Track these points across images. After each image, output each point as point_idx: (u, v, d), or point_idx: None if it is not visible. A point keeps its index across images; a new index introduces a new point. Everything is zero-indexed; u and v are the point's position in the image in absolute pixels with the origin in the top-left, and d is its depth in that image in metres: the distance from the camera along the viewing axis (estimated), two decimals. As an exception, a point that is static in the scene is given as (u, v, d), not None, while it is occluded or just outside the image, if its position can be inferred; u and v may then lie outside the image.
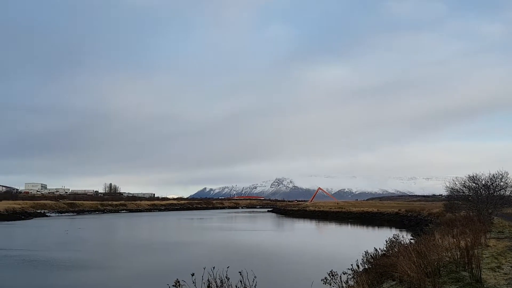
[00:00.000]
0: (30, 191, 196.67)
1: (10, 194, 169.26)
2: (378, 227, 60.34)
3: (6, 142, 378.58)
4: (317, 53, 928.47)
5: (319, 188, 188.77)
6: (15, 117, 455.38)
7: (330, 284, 9.09)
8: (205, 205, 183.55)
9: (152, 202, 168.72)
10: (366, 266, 14.39)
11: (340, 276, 9.42)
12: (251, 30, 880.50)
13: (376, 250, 16.06)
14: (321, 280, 9.20)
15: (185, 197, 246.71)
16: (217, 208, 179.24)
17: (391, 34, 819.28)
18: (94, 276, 22.26)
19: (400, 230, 46.50)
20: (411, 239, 23.67)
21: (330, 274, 9.27)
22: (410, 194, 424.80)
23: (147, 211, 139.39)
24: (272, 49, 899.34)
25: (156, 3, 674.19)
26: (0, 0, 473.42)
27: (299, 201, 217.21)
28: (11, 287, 18.76)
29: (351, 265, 12.22)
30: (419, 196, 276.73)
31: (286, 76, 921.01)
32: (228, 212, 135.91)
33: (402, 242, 17.44)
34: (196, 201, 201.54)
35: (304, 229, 63.11)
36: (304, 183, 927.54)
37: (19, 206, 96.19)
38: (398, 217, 69.79)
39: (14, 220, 74.70)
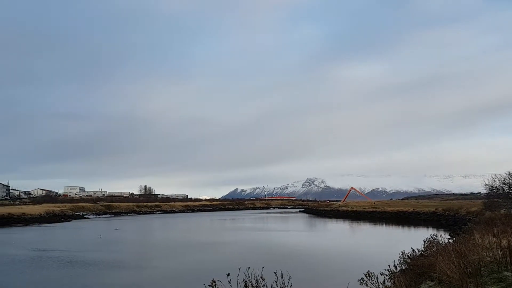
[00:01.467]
0: (69, 194, 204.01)
1: (50, 197, 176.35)
2: (414, 227, 58.88)
3: (45, 148, 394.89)
4: (347, 51, 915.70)
5: (352, 188, 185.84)
6: (54, 124, 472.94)
7: (367, 285, 8.95)
8: (237, 206, 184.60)
9: (185, 203, 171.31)
10: (403, 267, 14.09)
11: (377, 276, 9.26)
12: (281, 32, 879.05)
13: (413, 250, 15.71)
14: (358, 281, 9.08)
15: (217, 198, 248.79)
16: (248, 208, 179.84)
17: (424, 29, 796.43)
18: (131, 275, 22.82)
19: (437, 230, 45.22)
20: (449, 238, 22.98)
21: (367, 275, 9.12)
22: (447, 192, 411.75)
23: (180, 212, 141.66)
24: (302, 49, 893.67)
25: (187, 10, 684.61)
26: (38, 11, 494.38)
27: (331, 201, 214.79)
28: (56, 286, 19.50)
29: (388, 265, 11.99)
30: (456, 194, 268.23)
31: (317, 76, 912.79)
32: (260, 213, 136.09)
33: (440, 242, 16.97)
34: (228, 202, 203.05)
35: (337, 229, 62.37)
36: (336, 183, 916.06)
37: (59, 208, 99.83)
38: (435, 216, 67.83)
39: (54, 222, 77.59)
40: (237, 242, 40.85)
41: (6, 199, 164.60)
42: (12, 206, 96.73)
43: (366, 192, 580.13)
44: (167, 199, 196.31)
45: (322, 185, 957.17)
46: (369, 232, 56.39)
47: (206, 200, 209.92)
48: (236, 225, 73.44)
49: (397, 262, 13.69)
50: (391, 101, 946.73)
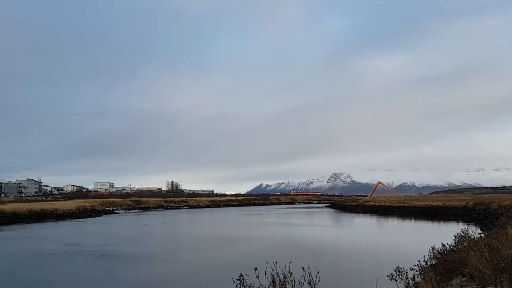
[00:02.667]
0: (99, 190, 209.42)
1: (81, 193, 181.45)
2: (444, 222, 57.62)
3: (76, 145, 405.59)
4: (373, 44, 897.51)
5: (379, 182, 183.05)
6: (84, 121, 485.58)
7: (396, 281, 8.83)
8: (262, 201, 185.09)
9: (211, 199, 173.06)
10: (433, 262, 13.83)
11: (407, 272, 9.12)
12: (306, 25, 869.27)
13: (443, 245, 15.37)
14: (387, 276, 8.96)
15: (242, 193, 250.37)
16: (274, 204, 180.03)
17: (453, 19, 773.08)
18: (160, 269, 23.28)
19: (468, 224, 44.11)
20: (480, 233, 22.37)
21: (396, 270, 9.00)
22: (478, 186, 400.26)
23: (206, 207, 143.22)
24: (327, 43, 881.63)
25: (210, 6, 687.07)
26: (65, 12, 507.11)
27: (358, 196, 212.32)
28: (87, 278, 20.12)
29: (418, 261, 11.79)
30: (487, 188, 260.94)
31: (342, 69, 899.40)
32: (285, 208, 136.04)
33: (472, 237, 16.55)
34: (253, 197, 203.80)
35: (365, 224, 61.69)
36: (363, 178, 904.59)
37: (90, 204, 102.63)
38: (465, 210, 66.13)
39: (85, 217, 79.83)
40: (263, 237, 41.01)
41: (39, 195, 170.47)
42: (44, 202, 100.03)
43: (394, 187, 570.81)
44: (193, 194, 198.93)
45: (348, 180, 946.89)
46: (398, 227, 55.54)
47: (231, 195, 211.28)
48: (262, 220, 73.69)
49: (427, 257, 13.44)
50: (418, 93, 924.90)
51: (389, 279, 8.99)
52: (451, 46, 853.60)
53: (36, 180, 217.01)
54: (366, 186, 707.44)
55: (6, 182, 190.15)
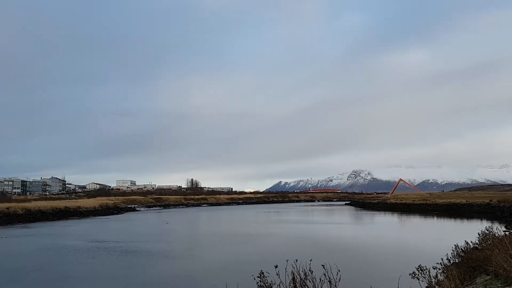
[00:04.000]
0: (121, 188, 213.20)
1: (104, 191, 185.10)
2: (467, 219, 56.49)
3: (98, 144, 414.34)
4: (394, 39, 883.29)
5: (401, 180, 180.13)
6: (106, 121, 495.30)
7: (419, 279, 8.72)
8: (281, 199, 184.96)
9: (230, 196, 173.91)
10: (457, 260, 13.61)
11: (429, 270, 9.00)
12: (324, 21, 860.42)
13: (466, 243, 15.12)
14: (409, 275, 8.86)
15: (261, 191, 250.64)
16: (292, 201, 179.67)
17: (477, 12, 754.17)
18: (181, 265, 23.57)
19: (492, 222, 43.08)
20: (505, 231, 21.88)
21: (419, 269, 8.90)
22: (502, 183, 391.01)
23: (226, 205, 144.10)
24: (347, 38, 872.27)
25: (229, 4, 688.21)
26: (91, 13, 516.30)
27: (379, 193, 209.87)
28: (110, 275, 20.53)
29: (441, 259, 11.63)
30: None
31: (362, 65, 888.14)
32: (304, 205, 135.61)
33: (496, 235, 16.22)
34: (272, 195, 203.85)
35: (386, 222, 60.96)
36: (384, 175, 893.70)
37: (112, 201, 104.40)
38: (489, 208, 64.60)
39: (108, 214, 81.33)
40: (282, 234, 41.02)
41: (63, 193, 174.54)
42: (68, 200, 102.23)
43: (415, 184, 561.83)
44: (213, 192, 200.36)
45: (369, 177, 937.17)
46: (420, 225, 54.70)
47: (250, 193, 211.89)
48: (281, 217, 73.67)
49: (450, 255, 13.24)
50: (440, 88, 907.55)
51: (411, 278, 8.89)
52: (475, 40, 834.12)
53: (60, 178, 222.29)
54: (387, 183, 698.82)
55: (31, 181, 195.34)
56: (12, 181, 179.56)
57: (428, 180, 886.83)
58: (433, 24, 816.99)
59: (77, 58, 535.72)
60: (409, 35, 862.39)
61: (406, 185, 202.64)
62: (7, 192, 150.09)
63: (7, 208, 61.10)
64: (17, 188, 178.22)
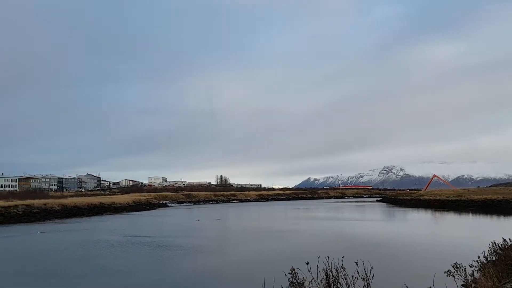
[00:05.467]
0: (153, 184, 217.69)
1: (136, 187, 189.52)
2: (505, 216, 54.56)
3: (131, 142, 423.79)
4: (425, 31, 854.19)
5: (434, 175, 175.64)
6: (137, 119, 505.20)
7: (454, 277, 8.51)
8: (310, 195, 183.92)
9: (259, 193, 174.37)
10: (494, 258, 13.18)
11: (465, 268, 8.76)
12: (354, 15, 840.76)
13: (504, 240, 14.60)
14: (444, 273, 8.66)
15: (290, 187, 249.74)
16: (322, 198, 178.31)
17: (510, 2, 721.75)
18: (212, 260, 23.88)
19: (533, 220, 41.43)
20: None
21: (454, 266, 8.68)
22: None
23: (255, 201, 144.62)
24: (377, 32, 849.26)
25: (256, 1, 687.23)
26: (118, 15, 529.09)
27: (411, 189, 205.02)
28: (144, 268, 21.05)
29: (478, 256, 11.30)
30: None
31: (393, 59, 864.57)
32: (334, 202, 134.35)
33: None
34: (301, 191, 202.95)
35: (419, 219, 59.62)
36: (417, 171, 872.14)
37: (145, 197, 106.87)
38: (529, 205, 62.17)
39: (141, 210, 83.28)
40: (312, 231, 40.85)
41: (98, 190, 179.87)
42: (103, 196, 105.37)
43: (450, 180, 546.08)
44: (242, 188, 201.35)
45: (401, 173, 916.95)
46: (454, 222, 53.23)
47: (279, 189, 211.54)
48: (310, 214, 73.31)
49: (486, 252, 12.83)
50: (475, 82, 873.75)
51: (447, 275, 8.68)
52: (511, 30, 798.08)
53: (94, 175, 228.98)
54: (420, 179, 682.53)
55: (67, 178, 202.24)
56: (49, 178, 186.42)
57: (463, 175, 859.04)
58: (467, 15, 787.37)
59: (108, 59, 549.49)
60: (441, 28, 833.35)
61: (440, 181, 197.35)
62: (44, 188, 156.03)
63: (45, 204, 63.49)
64: (54, 185, 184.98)
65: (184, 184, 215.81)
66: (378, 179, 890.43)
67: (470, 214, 61.83)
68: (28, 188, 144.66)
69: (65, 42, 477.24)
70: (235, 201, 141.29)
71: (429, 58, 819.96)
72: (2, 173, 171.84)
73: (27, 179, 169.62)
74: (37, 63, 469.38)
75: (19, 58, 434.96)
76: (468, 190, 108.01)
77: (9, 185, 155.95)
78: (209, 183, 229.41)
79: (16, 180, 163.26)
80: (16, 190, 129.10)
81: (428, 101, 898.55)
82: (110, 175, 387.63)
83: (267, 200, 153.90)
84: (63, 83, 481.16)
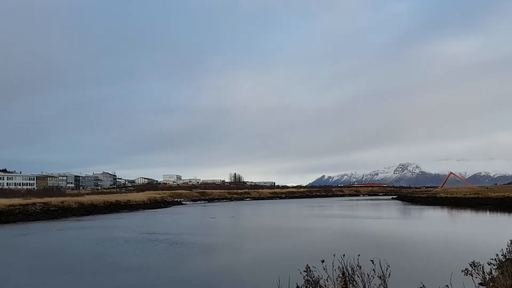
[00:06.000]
0: (167, 182, 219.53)
1: (151, 185, 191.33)
2: (524, 214, 53.53)
3: (146, 140, 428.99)
4: (441, 27, 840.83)
5: (451, 173, 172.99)
6: (152, 118, 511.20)
7: (472, 276, 8.38)
8: (324, 193, 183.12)
9: (273, 190, 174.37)
10: (513, 257, 12.94)
11: (483, 266, 8.63)
12: (368, 11, 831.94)
13: (524, 239, 14.31)
14: (462, 271, 8.53)
15: (304, 185, 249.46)
16: (336, 195, 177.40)
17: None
18: (227, 257, 24.01)
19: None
20: None
21: (472, 265, 8.54)
22: None
23: (268, 199, 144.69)
24: (391, 28, 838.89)
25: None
26: (135, 15, 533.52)
27: (427, 187, 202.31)
28: (159, 265, 21.26)
29: (496, 255, 11.11)
30: None
31: (407, 55, 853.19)
32: (349, 200, 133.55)
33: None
34: (315, 189, 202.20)
35: (436, 217, 58.87)
36: (433, 168, 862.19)
37: (159, 195, 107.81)
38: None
39: (156, 208, 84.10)
40: (327, 228, 40.68)
41: (113, 188, 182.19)
42: (118, 194, 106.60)
43: (466, 177, 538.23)
44: (255, 186, 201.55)
45: (417, 171, 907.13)
46: (471, 220, 52.41)
47: (293, 187, 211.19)
48: (325, 211, 73.02)
49: (505, 251, 12.59)
50: (491, 78, 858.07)
51: (464, 274, 8.56)
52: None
53: (110, 173, 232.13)
54: (436, 177, 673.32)
55: (84, 176, 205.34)
56: (66, 176, 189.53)
57: (480, 173, 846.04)
58: (483, 10, 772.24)
59: (124, 58, 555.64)
60: (456, 24, 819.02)
61: (457, 178, 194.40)
62: (61, 186, 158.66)
63: (62, 202, 64.56)
64: (71, 183, 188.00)
65: (198, 182, 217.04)
66: (394, 177, 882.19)
67: (488, 212, 60.83)
68: (45, 186, 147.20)
69: (82, 42, 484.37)
70: (248, 199, 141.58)
71: (445, 54, 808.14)
72: (20, 172, 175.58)
73: (44, 178, 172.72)
74: (54, 63, 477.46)
75: (35, 59, 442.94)
76: (486, 188, 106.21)
77: (27, 183, 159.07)
78: (222, 181, 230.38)
79: (33, 178, 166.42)
80: (34, 188, 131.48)
81: (444, 98, 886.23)
82: (126, 173, 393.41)
83: (281, 198, 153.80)
84: (81, 82, 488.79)
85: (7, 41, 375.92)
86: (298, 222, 50.19)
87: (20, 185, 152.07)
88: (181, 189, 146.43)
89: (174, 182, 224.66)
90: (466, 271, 8.58)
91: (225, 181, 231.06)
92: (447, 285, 7.06)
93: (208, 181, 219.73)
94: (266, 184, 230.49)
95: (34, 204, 58.65)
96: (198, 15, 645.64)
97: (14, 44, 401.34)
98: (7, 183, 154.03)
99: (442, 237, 32.27)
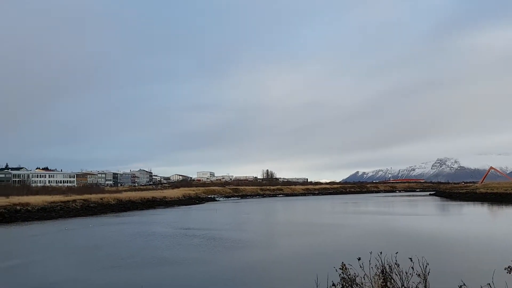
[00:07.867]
0: (201, 179, 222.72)
1: (186, 181, 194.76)
2: None
3: (180, 138, 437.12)
4: (482, 17, 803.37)
5: (491, 167, 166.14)
6: (187, 116, 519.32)
7: (516, 274, 8.12)
8: (358, 189, 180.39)
9: (305, 187, 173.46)
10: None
11: (528, 265, 8.33)
12: (401, 2, 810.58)
13: None
14: (504, 269, 8.29)
15: (337, 182, 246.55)
16: (371, 192, 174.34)
17: None
18: (261, 253, 24.22)
19: None
20: None
21: (516, 263, 8.27)
22: None
23: (301, 195, 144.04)
24: (428, 18, 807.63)
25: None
26: (170, 18, 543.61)
27: (467, 183, 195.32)
28: (195, 258, 21.73)
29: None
30: None
31: (445, 46, 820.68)
32: (384, 196, 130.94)
33: None
34: (349, 185, 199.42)
35: (475, 213, 56.90)
36: (472, 163, 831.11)
37: (194, 192, 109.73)
38: None
39: (190, 204, 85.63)
40: (361, 225, 40.14)
41: (150, 184, 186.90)
42: (154, 191, 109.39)
43: (508, 172, 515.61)
44: (288, 182, 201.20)
45: (455, 166, 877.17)
46: (514, 217, 50.31)
47: (326, 183, 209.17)
48: (359, 208, 72.01)
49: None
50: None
51: (507, 272, 8.31)
52: None
53: (147, 170, 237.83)
54: (476, 172, 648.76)
55: (121, 173, 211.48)
56: (105, 174, 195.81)
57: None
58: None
59: (158, 58, 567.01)
60: (500, 13, 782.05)
61: (498, 173, 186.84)
62: (100, 184, 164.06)
63: (101, 199, 66.91)
64: (109, 180, 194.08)
65: (231, 179, 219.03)
66: (431, 172, 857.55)
67: (533, 209, 58.19)
68: (85, 183, 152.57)
69: (121, 44, 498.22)
70: (281, 195, 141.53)
71: (485, 44, 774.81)
72: (61, 170, 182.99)
73: (84, 175, 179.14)
74: (95, 64, 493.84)
75: (78, 61, 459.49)
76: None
77: (67, 180, 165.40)
78: (255, 177, 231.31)
79: (74, 176, 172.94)
80: (74, 186, 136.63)
81: (484, 90, 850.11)
82: (161, 170, 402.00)
83: (314, 194, 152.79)
84: (123, 83, 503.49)
85: (53, 43, 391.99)
86: (331, 218, 49.79)
87: (61, 182, 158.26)
88: (215, 186, 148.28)
89: (207, 178, 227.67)
90: (509, 269, 8.32)
91: (258, 177, 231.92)
92: (489, 284, 6.86)
93: (241, 178, 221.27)
94: (298, 181, 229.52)
95: (74, 201, 61.08)
96: (230, 13, 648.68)
97: (62, 46, 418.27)
98: (49, 180, 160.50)
99: (482, 234, 31.22)
